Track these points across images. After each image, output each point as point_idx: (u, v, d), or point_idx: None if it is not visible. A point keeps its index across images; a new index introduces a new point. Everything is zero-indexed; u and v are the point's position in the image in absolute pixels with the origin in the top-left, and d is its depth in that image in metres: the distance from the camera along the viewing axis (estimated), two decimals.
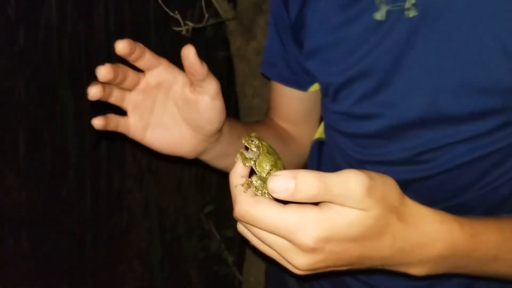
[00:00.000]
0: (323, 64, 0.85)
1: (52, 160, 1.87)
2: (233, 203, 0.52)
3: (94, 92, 0.68)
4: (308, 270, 0.51)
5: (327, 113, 0.91)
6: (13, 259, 1.88)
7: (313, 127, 1.01)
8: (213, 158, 0.83)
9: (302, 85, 0.94)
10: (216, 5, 1.39)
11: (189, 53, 0.67)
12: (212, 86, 0.71)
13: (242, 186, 0.53)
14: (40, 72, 1.83)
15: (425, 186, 0.79)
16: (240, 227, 0.54)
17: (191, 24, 1.34)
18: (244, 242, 0.60)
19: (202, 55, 2.23)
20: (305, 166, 1.03)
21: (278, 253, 0.51)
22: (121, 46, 0.68)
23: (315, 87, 0.93)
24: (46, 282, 1.89)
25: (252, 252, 1.86)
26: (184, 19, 1.33)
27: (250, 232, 0.53)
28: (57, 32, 1.78)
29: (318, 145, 0.99)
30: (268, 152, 0.57)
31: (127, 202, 2.02)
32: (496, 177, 0.78)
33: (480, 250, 0.58)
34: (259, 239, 0.52)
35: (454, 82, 0.73)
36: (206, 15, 1.36)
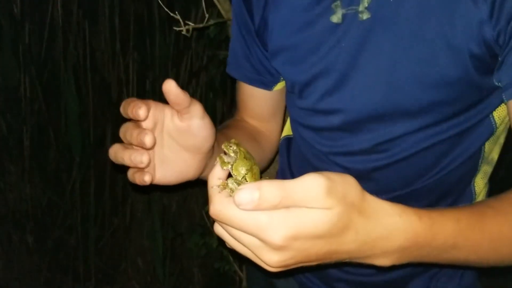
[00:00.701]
0: (287, 64, 0.90)
1: (56, 158, 1.90)
2: (209, 202, 0.55)
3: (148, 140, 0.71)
4: (279, 266, 0.54)
5: (294, 109, 0.97)
6: (18, 254, 1.91)
7: (279, 123, 1.06)
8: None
9: (267, 85, 0.99)
10: (218, 5, 1.41)
11: (170, 87, 0.70)
12: (197, 108, 0.74)
13: (218, 187, 0.56)
14: (45, 70, 1.85)
15: (384, 175, 0.84)
16: (216, 227, 0.57)
17: (192, 24, 1.36)
18: (221, 242, 0.62)
19: (205, 54, 2.23)
20: (278, 163, 1.08)
21: (251, 251, 0.54)
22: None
23: (280, 85, 0.99)
24: (50, 278, 1.91)
25: (229, 252, 1.89)
26: (187, 18, 1.35)
27: (225, 231, 0.55)
28: (62, 30, 1.81)
29: (286, 142, 1.04)
30: (245, 157, 0.61)
31: (131, 199, 2.05)
32: (447, 164, 0.84)
33: (439, 239, 0.61)
34: (234, 238, 0.55)
35: (406, 78, 0.79)
36: (207, 15, 1.38)
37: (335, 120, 0.87)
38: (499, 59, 0.76)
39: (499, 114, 0.84)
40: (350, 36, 0.83)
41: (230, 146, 0.62)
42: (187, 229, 2.20)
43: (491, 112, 0.83)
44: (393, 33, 0.80)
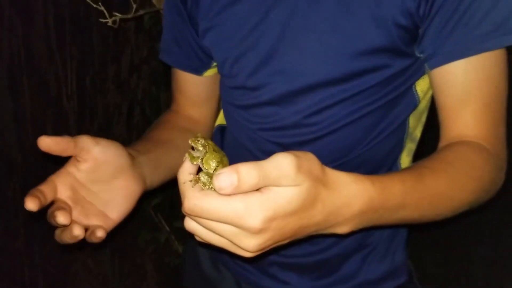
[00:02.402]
0: (217, 40, 0.92)
1: None
2: (182, 199, 0.56)
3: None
4: (257, 250, 0.57)
5: (226, 91, 0.99)
6: None
7: (214, 109, 1.09)
8: (154, 176, 0.89)
9: (197, 70, 1.02)
10: None
11: (45, 142, 0.70)
12: (84, 140, 0.75)
13: (190, 182, 0.57)
14: None
15: (316, 147, 0.89)
16: (188, 223, 0.58)
17: (118, 15, 1.33)
18: (192, 237, 0.63)
19: (145, 47, 2.20)
20: None
21: (229, 240, 0.56)
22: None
23: (210, 72, 1.02)
24: None
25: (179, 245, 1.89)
26: (125, 10, 1.33)
27: (200, 224, 0.56)
28: None
29: (220, 130, 1.07)
30: (214, 150, 0.62)
31: None
32: (375, 137, 0.89)
33: (390, 200, 0.65)
34: (210, 229, 0.56)
35: (333, 49, 0.82)
36: (134, 6, 1.36)
37: (265, 95, 0.89)
38: (421, 30, 0.80)
39: (421, 87, 0.88)
40: (279, 8, 0.84)
41: (198, 141, 0.62)
42: (135, 225, 2.17)
43: (414, 84, 0.88)
44: (319, 5, 0.82)
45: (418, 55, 0.83)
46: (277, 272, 1.00)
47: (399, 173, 0.71)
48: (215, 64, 1.02)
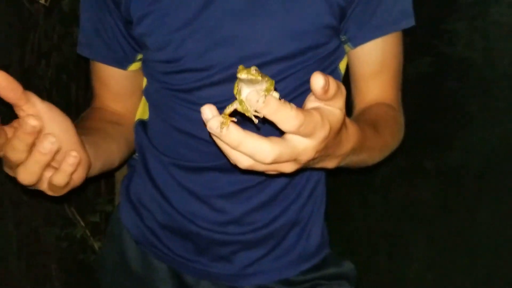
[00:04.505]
0: (156, 25, 0.92)
1: None
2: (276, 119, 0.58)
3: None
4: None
5: (162, 78, 0.99)
6: None
7: (138, 103, 1.10)
8: (95, 161, 0.87)
9: (122, 64, 1.01)
10: None
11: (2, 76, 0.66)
12: (29, 92, 0.70)
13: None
14: None
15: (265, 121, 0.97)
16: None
17: None
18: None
19: (59, 31, 2.07)
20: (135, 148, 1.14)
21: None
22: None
23: (135, 66, 1.02)
24: None
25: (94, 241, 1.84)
26: None
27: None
28: None
29: (141, 124, 1.09)
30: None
31: None
32: None
33: (366, 143, 0.78)
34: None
35: (285, 29, 0.91)
36: None
37: (216, 75, 0.93)
38: (347, 14, 0.95)
39: (343, 66, 1.05)
40: None
41: (256, 71, 0.59)
42: (44, 222, 2.06)
43: (338, 63, 1.03)
44: None
45: (341, 36, 0.99)
46: (224, 252, 1.04)
47: (366, 120, 0.89)
48: (139, 57, 1.01)
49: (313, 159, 0.64)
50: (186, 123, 0.99)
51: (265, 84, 0.59)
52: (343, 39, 0.99)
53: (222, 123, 0.58)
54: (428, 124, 2.35)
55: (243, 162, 0.61)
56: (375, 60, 1.00)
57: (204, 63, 0.91)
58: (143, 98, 1.09)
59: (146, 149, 1.05)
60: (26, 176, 0.70)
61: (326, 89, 0.59)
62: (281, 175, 0.68)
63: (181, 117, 0.99)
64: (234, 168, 0.95)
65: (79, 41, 1.01)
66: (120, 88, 1.04)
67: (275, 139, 0.60)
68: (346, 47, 1.01)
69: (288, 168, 0.63)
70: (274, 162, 0.59)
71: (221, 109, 0.96)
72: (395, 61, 1.02)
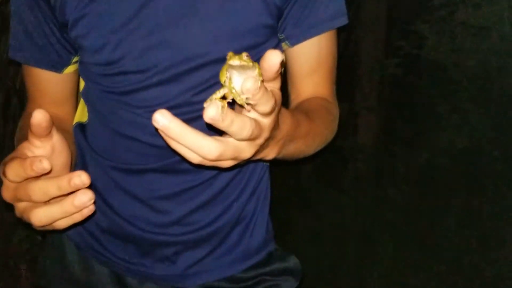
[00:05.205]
0: (92, 27, 0.91)
1: None
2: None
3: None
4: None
5: (100, 80, 0.99)
6: None
7: (75, 106, 1.09)
8: None
9: (57, 67, 1.00)
10: None
11: (44, 115, 0.66)
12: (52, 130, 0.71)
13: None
14: None
15: (201, 125, 0.96)
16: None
17: None
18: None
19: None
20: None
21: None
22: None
23: (70, 68, 1.01)
24: None
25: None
26: None
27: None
28: None
29: (80, 127, 1.07)
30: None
31: None
32: None
33: (301, 129, 0.82)
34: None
35: (222, 30, 0.92)
36: None
37: (154, 77, 0.92)
38: (284, 13, 0.97)
39: None
40: None
41: (247, 56, 0.60)
42: (11, 223, 2.04)
43: None
44: None
45: (279, 35, 1.01)
46: (167, 253, 1.04)
47: (297, 112, 0.91)
48: (75, 59, 1.00)
49: (253, 156, 0.67)
50: (125, 125, 0.99)
51: (257, 69, 0.59)
52: (281, 37, 1.03)
53: (222, 107, 0.58)
54: (396, 125, 2.37)
55: (192, 158, 0.63)
56: (311, 58, 1.04)
57: (142, 65, 0.91)
58: (81, 100, 1.08)
59: (86, 153, 1.05)
60: (42, 219, 0.69)
61: (280, 67, 0.61)
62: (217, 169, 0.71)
63: (121, 119, 0.99)
64: (179, 168, 0.96)
65: (11, 44, 0.99)
66: (57, 92, 1.03)
67: (219, 138, 0.63)
68: (284, 45, 1.05)
69: (227, 164, 0.66)
70: (217, 160, 0.62)
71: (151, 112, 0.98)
72: (330, 59, 1.08)
